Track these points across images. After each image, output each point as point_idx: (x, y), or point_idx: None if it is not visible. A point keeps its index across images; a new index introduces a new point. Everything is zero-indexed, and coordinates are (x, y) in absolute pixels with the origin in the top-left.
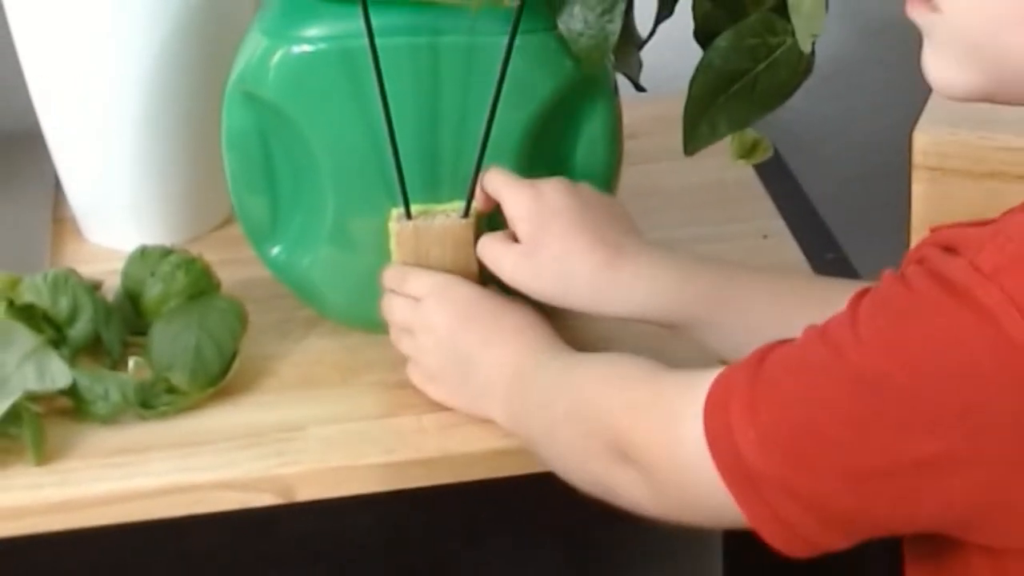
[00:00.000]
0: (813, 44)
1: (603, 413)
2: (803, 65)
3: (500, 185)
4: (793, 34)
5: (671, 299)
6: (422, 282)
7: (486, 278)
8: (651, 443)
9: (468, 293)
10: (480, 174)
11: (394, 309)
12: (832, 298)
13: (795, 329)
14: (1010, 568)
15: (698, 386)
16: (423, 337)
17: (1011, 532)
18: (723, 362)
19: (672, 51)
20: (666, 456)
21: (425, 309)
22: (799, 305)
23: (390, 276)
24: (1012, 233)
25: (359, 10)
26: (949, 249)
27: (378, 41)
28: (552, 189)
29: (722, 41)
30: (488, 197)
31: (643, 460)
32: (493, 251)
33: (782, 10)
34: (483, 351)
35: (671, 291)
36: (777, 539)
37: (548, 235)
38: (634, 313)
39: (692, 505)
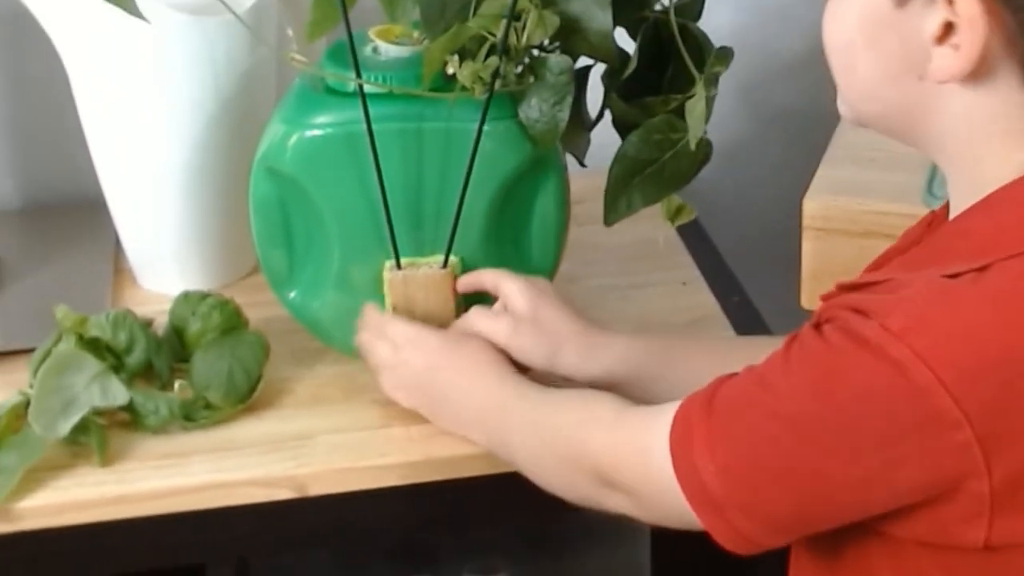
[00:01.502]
0: (707, 137)
1: (587, 453)
2: (701, 155)
3: (497, 275)
4: None
5: (632, 358)
6: (400, 330)
7: (460, 314)
8: (632, 476)
9: (442, 340)
10: (455, 234)
11: (375, 351)
12: (751, 353)
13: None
14: (907, 555)
15: (661, 422)
16: (401, 370)
17: (914, 528)
18: None
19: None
20: (644, 484)
21: (404, 353)
22: (725, 357)
23: (371, 322)
24: (913, 297)
25: (359, 102)
26: (860, 312)
27: (374, 126)
28: (536, 278)
29: (635, 136)
30: (471, 283)
31: (626, 487)
32: (488, 322)
33: (681, 113)
34: (459, 385)
35: (632, 352)
36: (732, 545)
37: (542, 307)
38: (606, 372)
39: (667, 517)
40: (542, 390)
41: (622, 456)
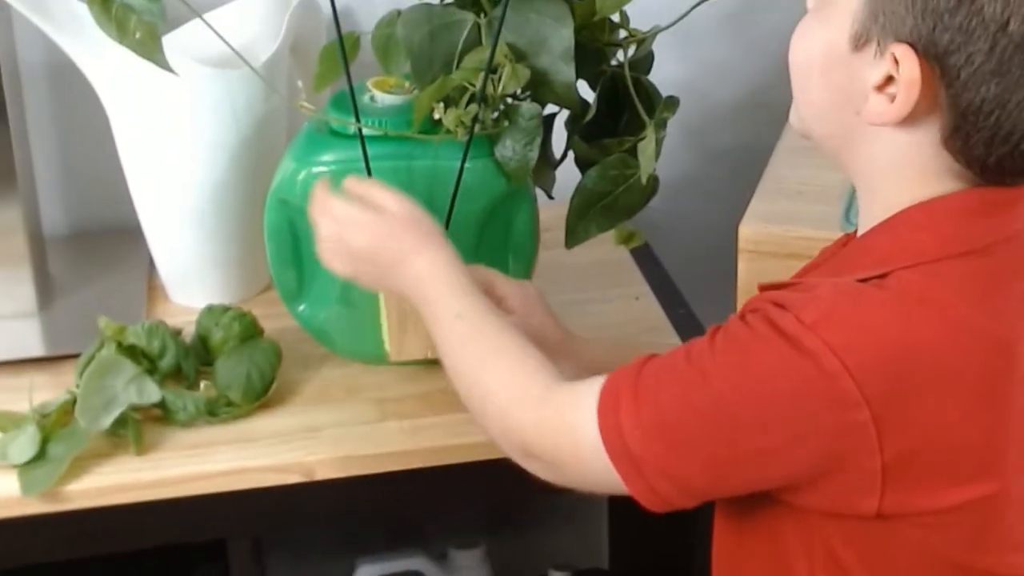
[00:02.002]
0: (655, 173)
1: (515, 429)
2: (650, 188)
3: (493, 274)
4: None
5: (604, 364)
6: (339, 208)
7: None
8: (557, 450)
9: (376, 221)
10: None
11: (320, 225)
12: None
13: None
14: (812, 523)
15: (587, 396)
16: (337, 244)
17: (815, 499)
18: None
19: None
20: (569, 456)
21: (344, 230)
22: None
23: (317, 198)
24: (824, 296)
25: (359, 143)
26: (779, 306)
27: (371, 164)
28: (529, 284)
29: (593, 172)
30: None
31: (549, 459)
32: None
33: (634, 152)
34: (397, 273)
35: (605, 357)
36: (648, 503)
37: (535, 313)
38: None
39: (587, 483)
40: (481, 321)
41: (548, 434)
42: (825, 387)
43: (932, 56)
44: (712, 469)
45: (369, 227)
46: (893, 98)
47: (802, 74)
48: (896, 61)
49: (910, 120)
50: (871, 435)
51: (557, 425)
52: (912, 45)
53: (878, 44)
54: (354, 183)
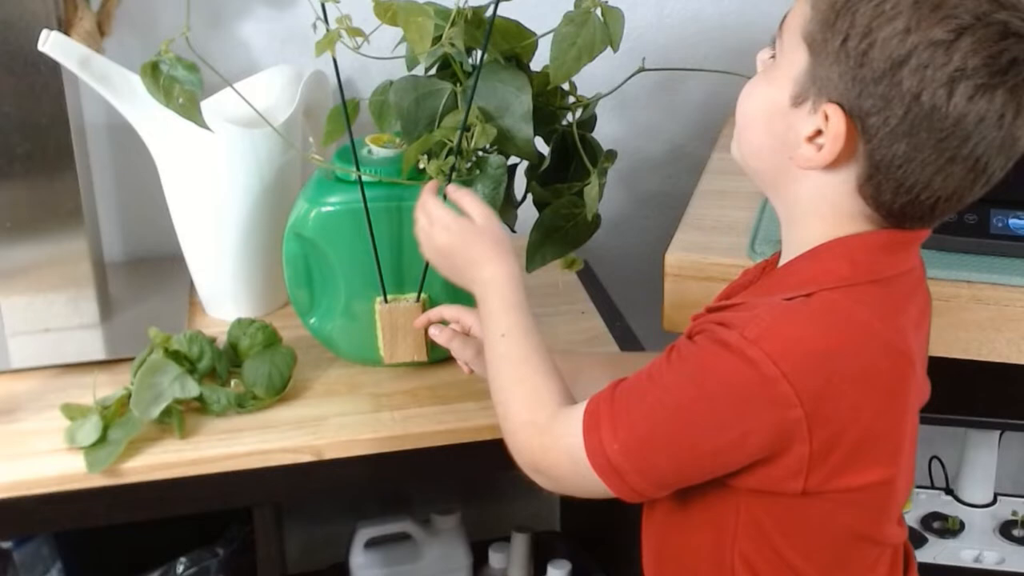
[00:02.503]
0: (598, 213)
1: (525, 450)
2: (594, 224)
3: (460, 310)
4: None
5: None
6: (433, 208)
7: (428, 344)
8: (558, 468)
9: (461, 227)
10: (424, 279)
11: (418, 220)
12: (630, 361)
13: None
14: (742, 499)
15: (575, 423)
16: (427, 241)
17: (750, 480)
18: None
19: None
20: (568, 472)
21: (433, 228)
22: (614, 365)
23: (421, 198)
24: (762, 314)
25: (359, 188)
26: (724, 325)
27: (369, 204)
28: None
29: (548, 210)
30: (439, 314)
31: (553, 476)
32: (459, 344)
33: (580, 195)
34: (466, 275)
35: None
36: (627, 498)
37: None
38: None
39: (582, 491)
40: (521, 342)
41: (551, 456)
42: (766, 390)
43: (856, 116)
44: (678, 466)
45: (452, 230)
46: (820, 147)
47: (748, 120)
48: (826, 117)
49: (832, 167)
50: (803, 428)
51: (556, 449)
52: (841, 105)
53: (813, 103)
54: (453, 190)
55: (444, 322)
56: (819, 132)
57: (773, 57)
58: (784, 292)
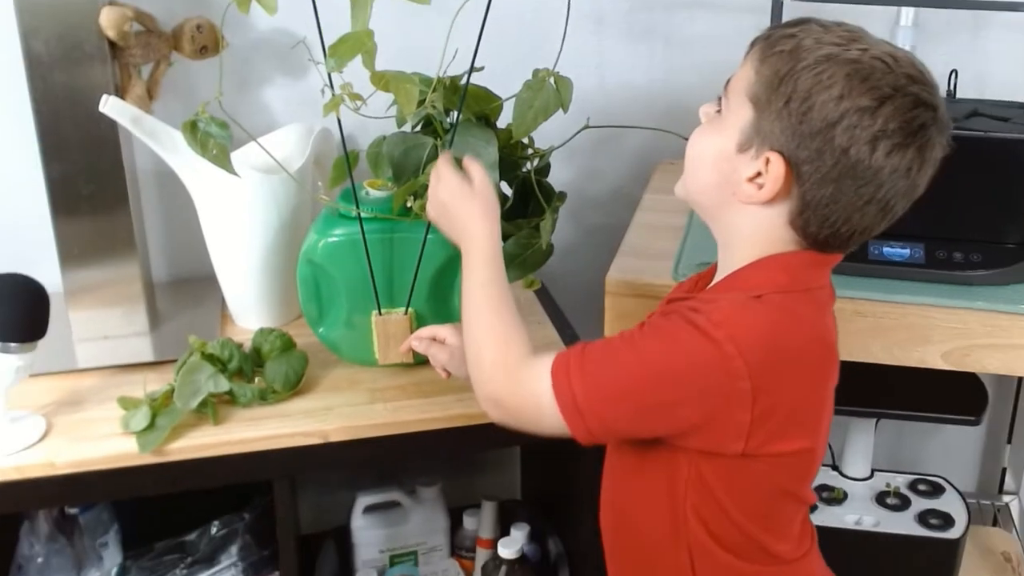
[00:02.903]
0: (552, 243)
1: (492, 384)
2: (548, 252)
3: (436, 328)
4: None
5: None
6: (443, 168)
7: (416, 354)
8: (521, 407)
9: (460, 186)
10: (411, 296)
11: (431, 179)
12: None
13: None
14: (691, 458)
15: (544, 370)
16: (432, 197)
17: (697, 441)
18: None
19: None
20: (531, 411)
21: (437, 186)
22: None
23: (438, 163)
24: (724, 305)
25: (358, 222)
26: (693, 309)
27: (367, 236)
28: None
29: (511, 240)
30: (424, 332)
31: (513, 412)
32: (437, 350)
33: (537, 228)
34: (457, 228)
35: None
36: (581, 438)
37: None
38: None
39: (539, 429)
40: (497, 292)
41: (516, 396)
42: (723, 364)
43: (792, 163)
44: (635, 418)
45: (452, 188)
46: (761, 187)
47: (697, 162)
48: (768, 163)
49: (769, 203)
50: (748, 398)
51: (522, 390)
52: (781, 153)
53: (756, 150)
54: (469, 159)
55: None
56: (759, 174)
57: (718, 111)
58: (739, 292)
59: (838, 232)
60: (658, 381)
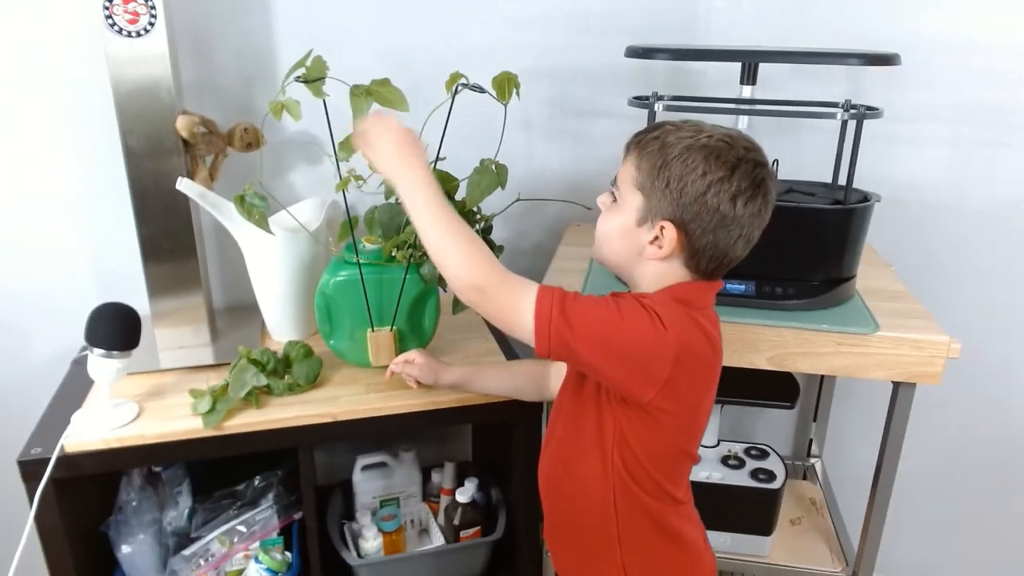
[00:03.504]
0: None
1: (480, 276)
2: None
3: (408, 353)
4: None
5: (464, 376)
6: (373, 117)
7: (397, 351)
8: (502, 307)
9: (417, 148)
10: (395, 318)
11: (360, 126)
12: (517, 367)
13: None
14: (615, 409)
15: (532, 287)
16: (360, 137)
17: (630, 389)
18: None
19: None
20: (508, 309)
21: (369, 126)
22: (505, 369)
23: (368, 118)
24: (657, 299)
25: (357, 267)
26: (638, 298)
27: (365, 277)
28: (424, 351)
29: None
30: (402, 357)
31: (492, 300)
32: (409, 367)
33: None
34: (413, 166)
35: (463, 374)
36: (540, 344)
37: (428, 361)
38: (454, 381)
39: (509, 325)
40: (438, 205)
41: (503, 297)
42: (661, 336)
43: (680, 225)
44: (587, 349)
45: (395, 133)
46: (660, 247)
47: (607, 237)
48: (662, 229)
49: (667, 256)
50: (670, 361)
51: (507, 291)
52: (672, 221)
53: (651, 222)
54: (378, 113)
55: (405, 349)
56: (657, 238)
57: (614, 200)
58: (661, 295)
59: (721, 264)
60: (611, 332)
